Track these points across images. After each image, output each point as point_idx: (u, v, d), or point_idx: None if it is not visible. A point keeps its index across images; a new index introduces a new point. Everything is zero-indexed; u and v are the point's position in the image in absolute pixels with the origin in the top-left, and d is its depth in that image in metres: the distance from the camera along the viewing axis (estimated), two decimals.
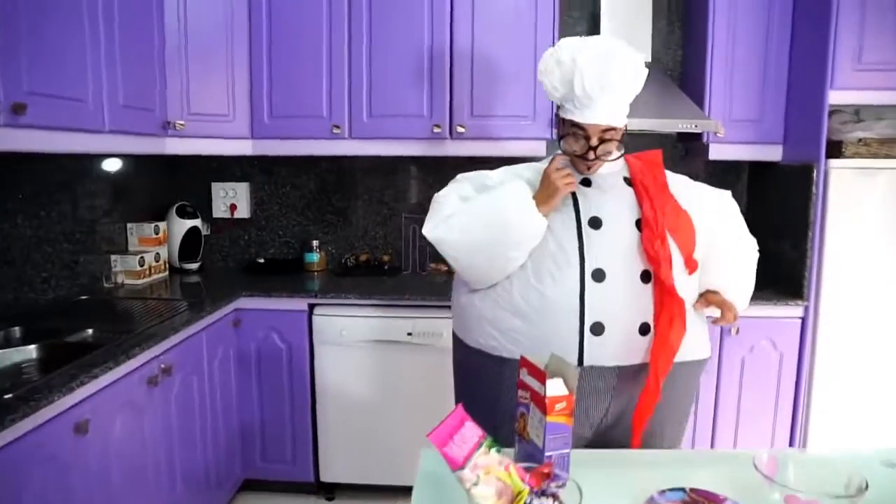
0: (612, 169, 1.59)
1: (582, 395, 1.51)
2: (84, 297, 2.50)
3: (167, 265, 2.98)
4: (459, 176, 1.68)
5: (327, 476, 2.75)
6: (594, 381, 1.52)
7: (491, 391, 1.58)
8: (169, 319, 2.21)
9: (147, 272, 2.81)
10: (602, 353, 1.50)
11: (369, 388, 2.65)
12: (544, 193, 1.51)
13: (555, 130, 1.64)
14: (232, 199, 3.15)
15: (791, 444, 2.67)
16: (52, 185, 2.42)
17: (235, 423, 2.67)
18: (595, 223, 1.51)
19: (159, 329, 2.09)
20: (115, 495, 1.82)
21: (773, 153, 2.78)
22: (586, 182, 1.56)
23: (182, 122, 2.61)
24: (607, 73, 1.44)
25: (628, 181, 1.57)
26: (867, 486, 1.12)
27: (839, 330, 2.58)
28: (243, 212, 3.17)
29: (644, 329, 1.50)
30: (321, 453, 2.73)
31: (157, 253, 2.89)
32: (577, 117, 1.48)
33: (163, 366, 2.07)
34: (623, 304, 1.49)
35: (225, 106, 2.77)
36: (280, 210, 3.23)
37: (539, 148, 2.75)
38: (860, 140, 2.60)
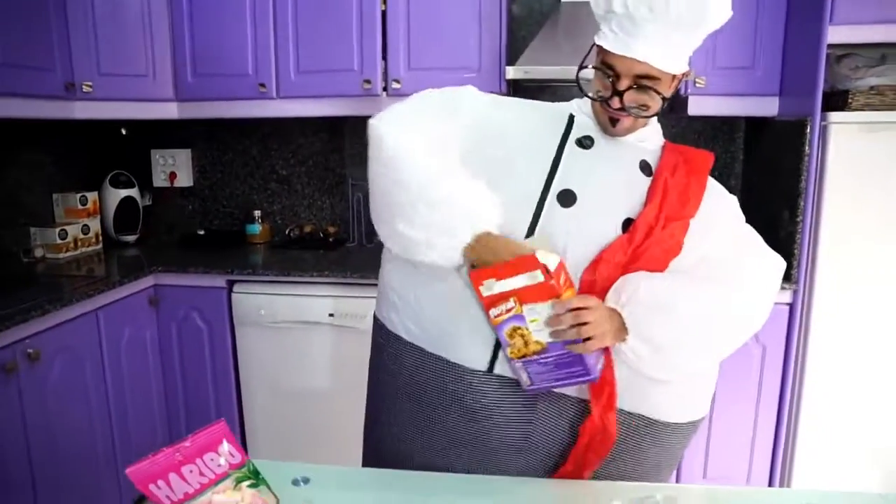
0: (635, 138, 1.19)
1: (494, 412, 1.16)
2: None
3: (100, 238, 2.81)
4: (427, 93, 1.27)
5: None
6: (506, 401, 1.15)
7: (388, 377, 1.27)
8: (52, 299, 2.02)
9: (71, 245, 2.64)
10: None
11: (293, 372, 2.41)
12: (490, 252, 1.08)
13: (576, 103, 1.23)
14: (172, 166, 2.94)
15: (774, 456, 2.27)
16: None
17: (157, 411, 2.49)
18: (566, 198, 1.13)
19: (26, 312, 1.90)
20: None
21: (768, 107, 2.31)
22: (585, 141, 1.18)
23: (89, 84, 2.40)
24: None
25: (646, 168, 1.18)
26: None
27: (836, 320, 2.14)
28: (184, 180, 2.96)
29: None
30: (248, 437, 2.53)
31: (86, 225, 2.72)
32: (609, 44, 1.09)
33: (29, 351, 1.88)
34: None
35: (143, 64, 2.53)
36: (223, 178, 3.00)
37: None
38: (872, 88, 2.12)
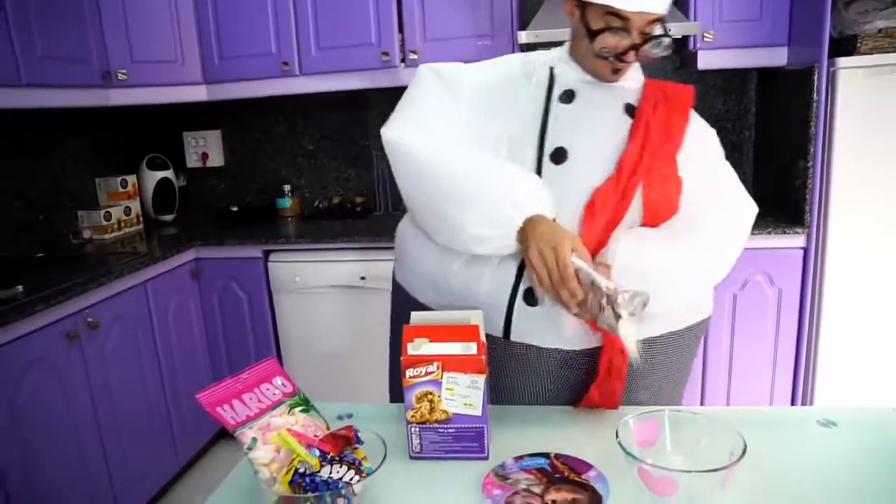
0: (618, 84, 1.20)
1: (511, 374, 1.23)
2: (40, 255, 2.52)
3: (140, 218, 2.97)
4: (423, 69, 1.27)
5: None
6: (525, 362, 1.21)
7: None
8: (106, 273, 2.18)
9: (116, 226, 2.81)
10: (533, 327, 1.18)
11: (329, 335, 2.56)
12: (536, 236, 1.06)
13: (572, 19, 1.20)
14: (203, 147, 3.08)
15: (793, 398, 2.35)
16: (6, 141, 2.43)
17: (203, 375, 2.66)
18: (558, 156, 1.16)
19: (84, 284, 2.06)
20: (35, 450, 1.83)
21: (777, 57, 2.36)
22: (567, 95, 1.19)
23: (124, 72, 2.54)
24: None
25: (630, 110, 1.19)
26: (742, 454, 0.90)
27: (849, 262, 2.21)
28: (216, 160, 3.10)
29: None
30: None
31: (128, 207, 2.88)
32: (617, 2, 1.09)
33: (89, 320, 2.05)
34: None
35: (172, 50, 2.66)
36: (252, 156, 3.13)
37: None
38: (880, 31, 2.16)
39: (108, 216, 2.77)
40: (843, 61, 2.13)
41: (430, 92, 1.23)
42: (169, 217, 3.06)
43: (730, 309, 2.32)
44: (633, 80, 1.23)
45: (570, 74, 1.21)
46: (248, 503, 1.03)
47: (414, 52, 2.52)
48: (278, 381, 1.15)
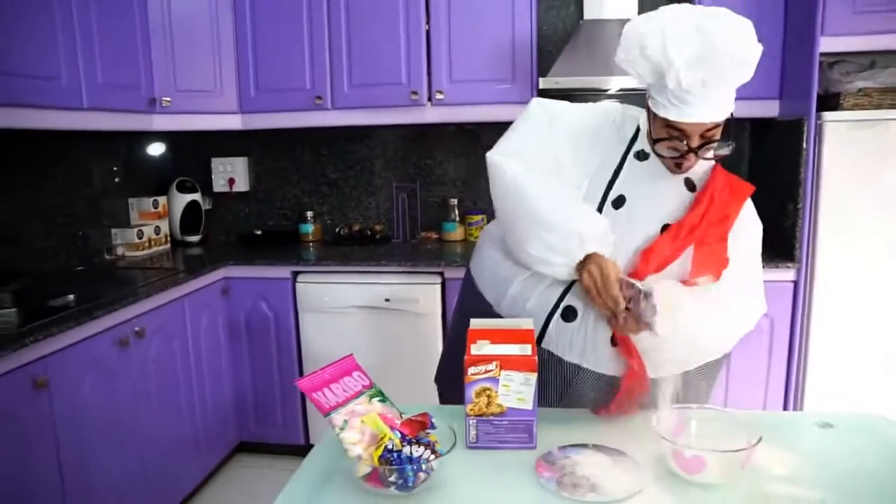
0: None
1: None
2: (81, 268, 2.65)
3: (168, 238, 3.11)
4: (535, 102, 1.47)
5: (316, 439, 2.83)
6: (551, 370, 1.38)
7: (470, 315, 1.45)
8: (149, 287, 2.32)
9: (146, 244, 2.95)
10: (562, 340, 1.35)
11: (354, 351, 2.66)
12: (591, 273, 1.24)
13: (642, 118, 1.36)
14: (230, 173, 3.25)
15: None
16: (54, 161, 2.58)
17: (227, 388, 2.78)
18: (618, 202, 1.33)
19: (136, 295, 2.20)
20: (88, 445, 1.95)
21: (769, 109, 2.62)
22: (643, 154, 1.34)
23: (168, 99, 2.72)
24: (713, 66, 1.14)
25: (690, 185, 1.33)
26: (759, 441, 1.09)
27: (835, 294, 2.44)
28: (242, 185, 3.27)
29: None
30: (310, 417, 2.82)
31: (158, 226, 3.03)
32: (673, 115, 1.20)
33: (136, 329, 2.18)
34: None
35: (212, 81, 2.85)
36: (277, 183, 3.31)
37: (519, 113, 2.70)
38: (860, 90, 2.42)
39: (140, 234, 2.91)
40: (828, 115, 2.38)
41: (534, 124, 1.43)
42: (195, 238, 3.21)
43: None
44: (702, 165, 1.33)
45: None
46: (332, 477, 1.17)
47: (440, 93, 2.73)
48: (356, 374, 1.31)
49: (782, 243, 2.54)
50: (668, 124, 1.23)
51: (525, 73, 2.69)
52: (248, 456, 2.92)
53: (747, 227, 1.37)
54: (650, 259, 1.29)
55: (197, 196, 3.19)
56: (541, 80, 2.56)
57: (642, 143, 1.37)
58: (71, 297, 2.20)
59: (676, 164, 1.29)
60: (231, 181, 3.25)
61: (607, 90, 2.65)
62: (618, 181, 1.34)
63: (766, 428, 1.13)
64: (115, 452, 2.08)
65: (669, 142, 1.26)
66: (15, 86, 1.99)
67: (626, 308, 1.23)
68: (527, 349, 1.22)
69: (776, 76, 2.58)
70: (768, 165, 2.77)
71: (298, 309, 2.73)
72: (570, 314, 1.35)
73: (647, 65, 1.22)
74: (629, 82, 2.51)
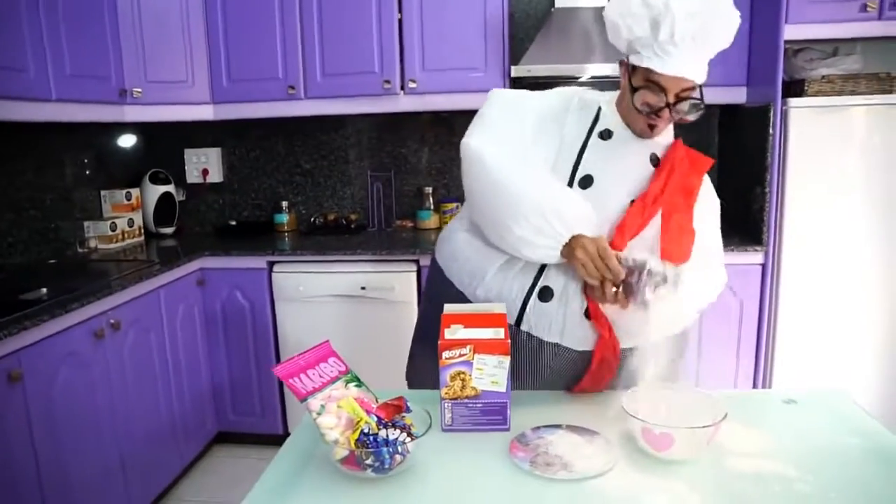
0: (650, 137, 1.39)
1: (514, 359, 1.38)
2: (53, 261, 2.62)
3: (142, 230, 3.09)
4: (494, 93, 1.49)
5: (294, 428, 2.84)
6: (532, 352, 1.42)
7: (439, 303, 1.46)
8: (123, 279, 2.31)
9: (120, 237, 2.92)
10: (541, 321, 1.39)
11: (330, 339, 2.70)
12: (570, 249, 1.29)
13: (604, 98, 1.43)
14: (204, 164, 3.23)
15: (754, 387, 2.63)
16: (24, 154, 2.54)
17: (205, 378, 2.78)
18: (585, 182, 1.37)
19: (110, 287, 2.19)
20: (64, 438, 1.94)
21: (737, 96, 2.68)
22: (606, 133, 1.40)
23: (139, 90, 2.69)
24: (705, 22, 1.23)
25: (655, 160, 1.39)
26: (724, 418, 1.13)
27: (802, 275, 2.51)
28: (215, 176, 3.25)
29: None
30: (288, 406, 2.83)
31: (131, 218, 3.00)
32: (657, 66, 1.26)
33: (112, 321, 2.17)
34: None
35: (183, 71, 2.82)
36: (251, 173, 3.29)
37: None
38: (823, 77, 2.48)
39: (113, 226, 2.88)
40: (794, 101, 2.44)
41: (500, 110, 1.45)
42: (168, 230, 3.19)
43: (698, 318, 2.58)
44: (664, 135, 1.41)
45: (613, 117, 1.41)
46: (310, 461, 1.19)
47: (413, 81, 2.74)
48: (332, 361, 1.33)
49: (750, 227, 2.60)
50: (649, 77, 1.29)
51: (497, 61, 2.71)
52: (226, 446, 2.92)
53: (707, 202, 1.44)
54: (625, 232, 1.34)
55: (170, 188, 3.17)
56: (513, 68, 2.58)
57: (605, 123, 1.41)
58: (44, 290, 2.18)
59: (650, 126, 1.34)
60: (205, 172, 3.23)
61: (580, 78, 2.68)
62: (583, 161, 1.38)
63: (732, 405, 1.17)
64: (93, 445, 2.08)
65: (648, 92, 1.30)
66: None
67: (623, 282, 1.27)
68: (500, 332, 1.24)
69: (744, 64, 2.64)
70: (736, 151, 2.82)
71: (275, 298, 2.74)
72: (546, 294, 1.38)
73: (647, 13, 1.27)
74: (602, 70, 2.54)
